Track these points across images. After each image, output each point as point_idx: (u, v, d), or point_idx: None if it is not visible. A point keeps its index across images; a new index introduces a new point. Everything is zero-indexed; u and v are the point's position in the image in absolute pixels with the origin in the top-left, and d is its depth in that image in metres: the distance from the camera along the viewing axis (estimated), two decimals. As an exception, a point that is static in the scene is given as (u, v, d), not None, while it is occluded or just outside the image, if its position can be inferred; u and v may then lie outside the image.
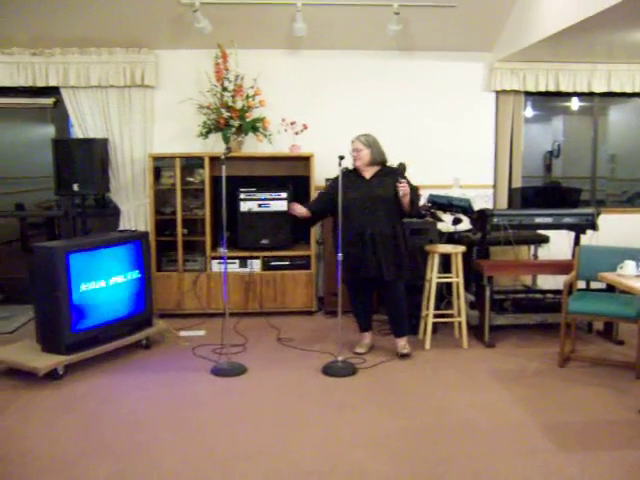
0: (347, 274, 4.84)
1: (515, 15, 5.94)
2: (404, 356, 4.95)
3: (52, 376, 4.45)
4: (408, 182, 4.74)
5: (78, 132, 6.37)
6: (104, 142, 6.23)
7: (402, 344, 5.02)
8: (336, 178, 4.79)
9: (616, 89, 6.75)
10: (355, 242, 4.77)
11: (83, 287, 4.67)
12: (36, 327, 4.75)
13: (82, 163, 5.91)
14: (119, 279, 5.02)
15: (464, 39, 6.45)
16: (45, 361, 4.46)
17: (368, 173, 4.91)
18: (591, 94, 6.93)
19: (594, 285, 5.39)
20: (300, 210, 4.92)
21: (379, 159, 4.91)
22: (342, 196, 4.64)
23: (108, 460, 3.36)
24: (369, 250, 4.75)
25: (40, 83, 6.21)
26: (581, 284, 5.29)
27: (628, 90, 6.77)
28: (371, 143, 4.87)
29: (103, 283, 4.86)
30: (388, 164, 4.97)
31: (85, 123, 6.35)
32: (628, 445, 3.51)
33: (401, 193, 4.67)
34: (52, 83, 6.22)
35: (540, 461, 3.33)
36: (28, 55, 6.16)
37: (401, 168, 4.79)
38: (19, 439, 3.61)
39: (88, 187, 5.98)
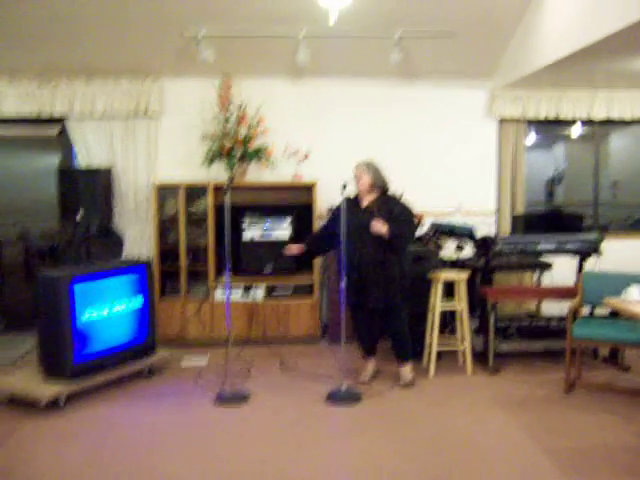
0: (350, 300, 4.86)
1: (515, 42, 6.00)
2: (407, 385, 4.92)
3: (55, 404, 4.43)
4: (399, 213, 4.79)
5: (82, 161, 6.41)
6: (108, 172, 6.27)
7: (405, 372, 4.99)
8: (337, 207, 4.82)
9: (616, 116, 6.80)
10: (352, 270, 4.78)
11: (86, 315, 4.67)
12: (39, 355, 4.74)
13: (86, 192, 5.94)
14: (122, 307, 5.02)
15: (465, 66, 6.51)
16: (47, 390, 4.44)
17: (366, 201, 4.93)
18: (591, 121, 6.97)
19: (598, 311, 5.37)
20: (294, 250, 5.12)
21: (379, 184, 4.93)
22: (348, 221, 4.68)
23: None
24: (363, 278, 4.78)
25: (45, 113, 6.26)
26: (585, 310, 5.27)
27: (627, 117, 6.82)
28: (371, 169, 4.91)
29: (106, 311, 4.86)
30: (387, 192, 4.98)
31: (90, 152, 6.39)
32: (632, 472, 3.48)
33: (373, 232, 4.68)
34: (57, 113, 6.28)
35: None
36: (34, 86, 6.22)
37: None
38: (23, 468, 3.59)
39: (92, 215, 6.01)
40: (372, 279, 4.77)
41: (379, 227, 4.66)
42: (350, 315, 5.06)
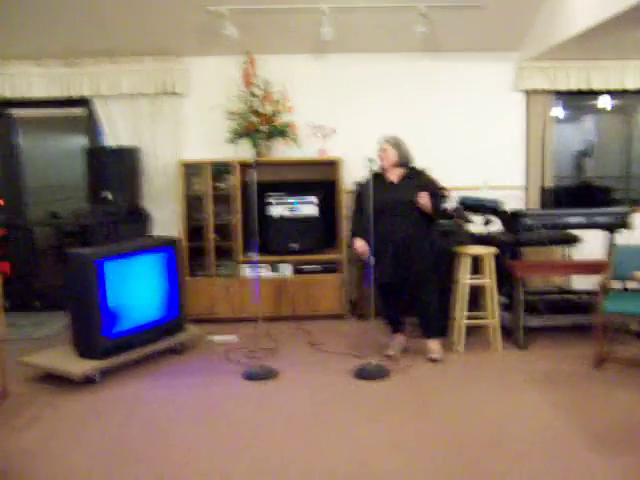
0: (377, 277, 4.84)
1: (543, 13, 5.88)
2: (433, 360, 4.92)
3: (87, 381, 4.52)
4: (433, 187, 4.78)
5: (110, 140, 6.47)
6: (135, 150, 6.31)
7: (433, 347, 4.99)
8: (363, 183, 4.80)
9: (648, 86, 6.64)
10: (384, 246, 4.77)
11: (116, 293, 4.73)
12: (71, 333, 4.83)
13: (114, 172, 5.97)
14: (151, 285, 5.08)
15: (491, 39, 6.40)
16: (80, 366, 4.54)
17: (394, 176, 4.90)
18: (623, 92, 6.82)
19: (630, 285, 5.29)
20: (359, 245, 4.89)
21: (405, 160, 4.91)
22: (374, 198, 4.66)
23: (142, 465, 3.40)
24: (397, 254, 4.77)
25: (73, 93, 6.34)
26: (616, 284, 5.20)
27: (661, 86, 6.65)
28: (397, 143, 4.89)
29: (136, 289, 4.93)
30: (413, 166, 4.97)
31: (117, 132, 6.45)
32: (667, 447, 3.44)
33: (420, 205, 4.68)
34: (85, 93, 6.35)
35: (578, 466, 3.28)
36: (61, 66, 6.28)
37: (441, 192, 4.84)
38: (53, 445, 3.68)
39: (120, 195, 6.06)
40: (408, 254, 4.77)
41: (427, 200, 4.67)
42: (378, 291, 5.07)
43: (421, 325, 5.08)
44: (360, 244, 4.87)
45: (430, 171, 5.05)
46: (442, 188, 4.97)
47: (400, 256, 4.77)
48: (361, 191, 4.93)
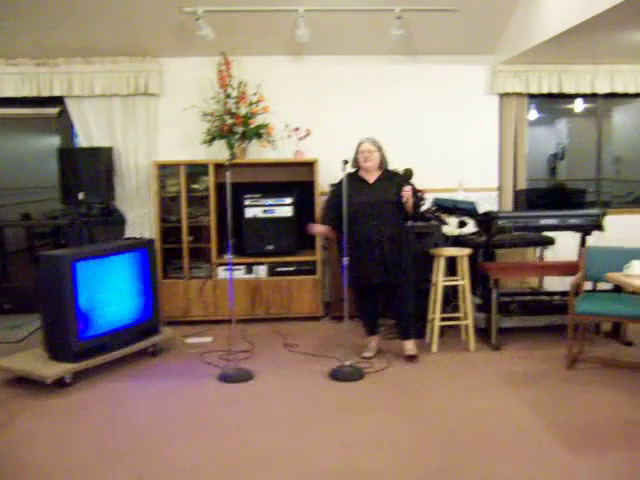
0: (354, 279, 4.84)
1: (517, 17, 5.95)
2: (411, 358, 4.95)
3: (60, 384, 4.46)
4: (412, 187, 4.80)
5: (83, 141, 6.40)
6: (109, 151, 6.26)
7: (409, 346, 5.01)
8: (340, 183, 4.80)
9: (619, 90, 6.74)
10: (362, 247, 4.78)
11: (89, 295, 4.68)
12: (43, 335, 4.76)
13: (87, 172, 5.94)
14: (125, 287, 5.04)
15: (466, 42, 6.46)
16: (53, 369, 4.47)
17: (372, 177, 4.92)
18: (594, 95, 6.92)
19: (600, 286, 5.37)
20: (320, 229, 4.97)
21: (385, 163, 4.96)
22: (348, 201, 4.65)
23: (119, 467, 3.36)
24: (377, 255, 4.77)
25: (45, 93, 6.26)
26: (588, 285, 5.27)
27: (632, 90, 6.76)
28: (380, 146, 4.92)
29: (109, 291, 4.88)
30: (390, 168, 5.01)
31: (90, 132, 6.38)
32: (636, 446, 3.49)
33: (404, 199, 4.69)
34: (57, 93, 6.27)
35: (550, 463, 3.31)
36: (32, 65, 6.21)
37: (408, 174, 4.81)
38: (28, 448, 3.62)
39: (93, 196, 6.01)
40: (390, 255, 4.78)
41: (410, 194, 4.69)
42: (355, 293, 5.08)
43: (398, 326, 5.09)
44: (320, 228, 4.95)
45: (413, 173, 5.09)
46: (418, 190, 5.01)
47: (381, 258, 4.78)
48: (337, 191, 4.91)
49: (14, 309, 6.72)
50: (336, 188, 5.00)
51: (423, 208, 5.62)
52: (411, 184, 4.91)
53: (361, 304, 5.13)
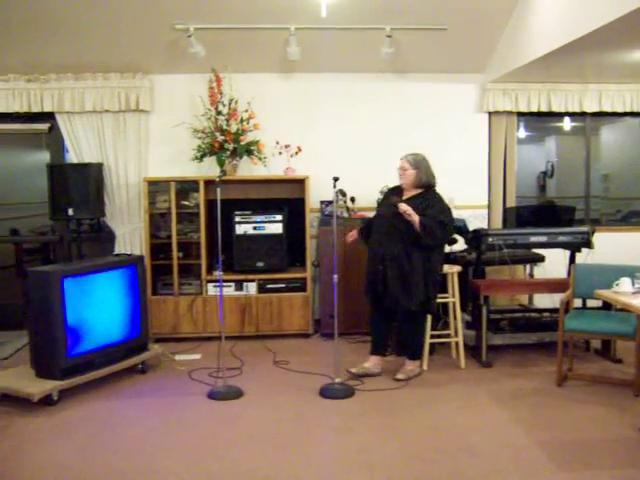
0: (368, 287, 4.88)
1: (506, 37, 6.01)
2: (397, 380, 4.90)
3: (47, 402, 4.41)
4: (436, 212, 4.65)
5: (73, 157, 6.39)
6: (99, 167, 6.24)
7: (410, 367, 4.99)
8: (385, 192, 5.06)
9: (607, 109, 6.82)
10: (372, 258, 4.82)
11: (78, 311, 4.64)
12: (30, 352, 4.72)
13: (77, 188, 5.92)
14: (114, 303, 5.00)
15: (456, 61, 6.51)
16: (39, 386, 4.41)
17: (408, 194, 4.83)
18: (583, 114, 6.99)
19: (590, 303, 5.39)
20: (352, 236, 5.09)
21: (425, 181, 4.80)
22: (377, 211, 4.77)
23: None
24: (380, 270, 4.74)
25: (35, 109, 6.25)
26: (577, 302, 5.29)
27: (619, 109, 6.84)
28: (419, 163, 4.79)
29: (98, 307, 4.84)
30: (434, 189, 4.86)
31: (80, 148, 6.37)
32: (629, 463, 3.49)
33: (400, 210, 4.57)
34: (47, 109, 6.26)
35: (540, 481, 3.30)
36: (23, 81, 6.20)
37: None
38: (13, 467, 3.56)
39: (83, 212, 5.99)
40: (394, 274, 4.68)
41: (406, 208, 4.55)
42: (369, 303, 5.04)
43: (404, 346, 5.08)
44: (351, 233, 5.06)
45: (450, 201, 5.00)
46: (452, 220, 4.81)
47: (383, 274, 4.70)
48: (381, 201, 5.02)
49: (1, 326, 6.65)
50: (383, 196, 5.09)
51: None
52: (441, 209, 4.70)
53: (371, 315, 5.07)
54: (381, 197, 5.07)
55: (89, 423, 4.17)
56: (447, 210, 4.77)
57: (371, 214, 5.39)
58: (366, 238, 4.98)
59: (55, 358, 4.50)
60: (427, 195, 4.79)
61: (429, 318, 5.15)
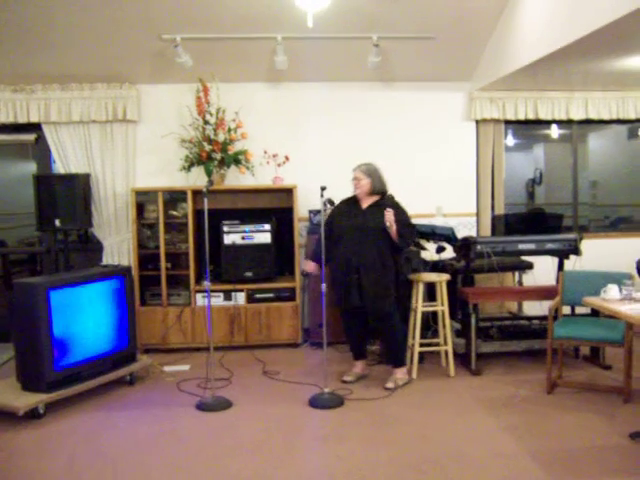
0: (340, 298, 4.89)
1: (492, 45, 6.03)
2: (387, 389, 4.89)
3: (33, 415, 4.36)
4: (403, 216, 4.83)
5: (60, 167, 6.36)
6: (86, 177, 6.21)
7: (399, 376, 4.99)
8: (337, 205, 5.01)
9: (593, 116, 6.85)
10: (342, 270, 4.82)
11: (65, 323, 4.60)
12: (16, 365, 4.67)
13: (64, 199, 5.88)
14: (102, 314, 4.96)
15: (443, 69, 6.53)
16: (25, 400, 4.37)
17: (366, 203, 4.94)
18: (570, 121, 7.02)
19: (579, 310, 5.40)
20: (310, 268, 5.07)
21: (379, 188, 4.94)
22: (337, 224, 4.82)
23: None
24: (354, 280, 4.78)
25: (22, 119, 6.22)
26: (566, 309, 5.29)
27: (605, 117, 6.87)
28: (372, 172, 4.92)
29: (85, 319, 4.80)
30: (389, 194, 5.01)
31: (67, 158, 6.34)
32: (619, 470, 3.48)
33: (387, 223, 4.68)
34: (34, 119, 6.23)
35: (530, 490, 3.29)
36: (9, 92, 6.17)
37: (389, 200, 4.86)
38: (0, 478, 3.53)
39: (70, 223, 5.95)
40: (370, 281, 4.77)
41: (391, 216, 4.66)
42: (341, 317, 5.09)
43: (388, 354, 5.10)
44: (310, 265, 5.04)
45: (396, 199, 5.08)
46: (412, 225, 5.00)
47: (358, 283, 4.78)
48: (330, 219, 5.00)
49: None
50: (332, 210, 5.08)
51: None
52: (404, 212, 4.91)
53: (346, 326, 5.11)
54: (331, 211, 5.09)
55: (76, 436, 4.13)
56: (407, 212, 4.98)
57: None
58: (322, 263, 4.84)
59: (41, 371, 4.46)
60: (385, 201, 4.94)
61: (419, 326, 5.14)
